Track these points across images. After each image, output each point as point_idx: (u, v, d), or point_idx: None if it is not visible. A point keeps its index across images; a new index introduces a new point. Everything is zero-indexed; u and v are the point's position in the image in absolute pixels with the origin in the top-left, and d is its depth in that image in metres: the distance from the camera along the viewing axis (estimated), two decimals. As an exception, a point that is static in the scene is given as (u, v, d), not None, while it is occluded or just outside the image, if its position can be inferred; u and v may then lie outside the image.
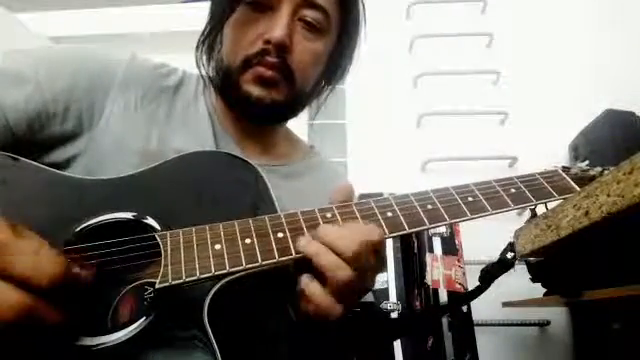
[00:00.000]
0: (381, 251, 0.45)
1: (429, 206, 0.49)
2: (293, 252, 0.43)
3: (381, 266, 0.45)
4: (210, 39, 0.60)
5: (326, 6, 0.57)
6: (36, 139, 0.51)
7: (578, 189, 0.54)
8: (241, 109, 0.59)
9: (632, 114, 1.43)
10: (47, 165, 0.49)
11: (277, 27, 0.53)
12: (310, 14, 0.56)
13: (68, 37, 2.10)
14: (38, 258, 0.31)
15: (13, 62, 0.52)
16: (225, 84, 0.58)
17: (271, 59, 0.54)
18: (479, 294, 0.60)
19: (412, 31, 1.92)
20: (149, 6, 2.17)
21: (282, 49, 0.54)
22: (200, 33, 0.62)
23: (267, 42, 0.54)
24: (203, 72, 0.63)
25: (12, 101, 0.49)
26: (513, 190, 0.52)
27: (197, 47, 0.62)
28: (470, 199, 0.50)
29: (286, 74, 0.56)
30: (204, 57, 0.62)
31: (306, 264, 0.42)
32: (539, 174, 0.56)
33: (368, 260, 0.42)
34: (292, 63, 0.56)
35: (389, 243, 1.44)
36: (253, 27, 0.55)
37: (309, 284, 0.42)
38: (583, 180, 0.56)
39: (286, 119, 0.66)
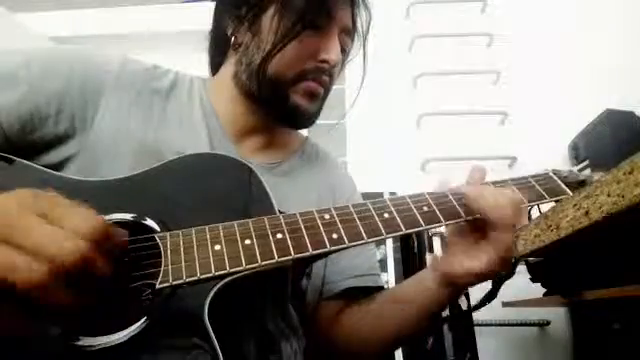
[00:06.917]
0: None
1: (425, 208, 0.50)
2: (292, 253, 0.43)
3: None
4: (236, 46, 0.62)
5: (351, 29, 0.63)
6: (29, 140, 0.51)
7: (569, 192, 0.55)
8: (282, 117, 0.63)
9: (632, 114, 1.43)
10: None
11: (333, 50, 0.59)
12: (346, 39, 0.63)
13: (68, 37, 2.10)
14: (84, 212, 0.34)
15: (6, 62, 0.52)
16: (269, 93, 0.60)
17: (325, 77, 0.60)
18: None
19: (412, 31, 1.92)
20: (149, 6, 2.16)
21: (334, 69, 0.61)
22: (211, 36, 0.67)
23: (323, 61, 0.58)
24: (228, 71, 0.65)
25: (4, 102, 0.49)
26: None
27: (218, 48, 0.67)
28: (465, 201, 0.51)
29: (326, 90, 0.63)
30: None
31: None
32: (531, 177, 0.57)
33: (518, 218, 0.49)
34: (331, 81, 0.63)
35: (388, 243, 1.44)
36: (307, 44, 0.58)
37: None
38: (572, 184, 0.57)
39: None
